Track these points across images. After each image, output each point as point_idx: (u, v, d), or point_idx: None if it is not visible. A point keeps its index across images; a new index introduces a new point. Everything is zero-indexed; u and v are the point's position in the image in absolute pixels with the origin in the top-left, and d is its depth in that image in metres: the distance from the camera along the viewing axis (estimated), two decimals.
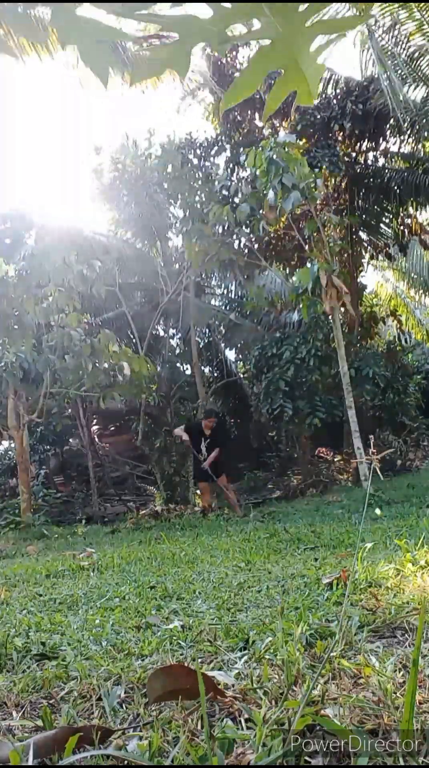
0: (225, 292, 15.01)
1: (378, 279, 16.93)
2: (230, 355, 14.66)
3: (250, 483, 12.68)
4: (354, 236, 11.52)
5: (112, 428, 14.59)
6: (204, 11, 0.81)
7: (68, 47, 7.22)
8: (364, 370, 9.76)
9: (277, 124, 11.02)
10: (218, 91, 10.67)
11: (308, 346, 9.83)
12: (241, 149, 9.37)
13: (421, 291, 15.56)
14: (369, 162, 11.41)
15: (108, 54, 0.88)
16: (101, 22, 0.83)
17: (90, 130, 32.66)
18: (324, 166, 9.53)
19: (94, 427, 14.18)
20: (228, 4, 0.80)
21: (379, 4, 8.98)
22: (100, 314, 12.36)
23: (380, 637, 1.52)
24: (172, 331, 13.53)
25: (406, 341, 14.89)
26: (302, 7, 0.79)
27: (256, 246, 9.86)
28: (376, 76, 8.81)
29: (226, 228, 9.42)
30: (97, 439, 14.07)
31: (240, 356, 14.35)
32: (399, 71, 9.42)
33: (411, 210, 11.24)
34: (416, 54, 9.39)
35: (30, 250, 8.88)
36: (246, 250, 10.27)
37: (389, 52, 9.07)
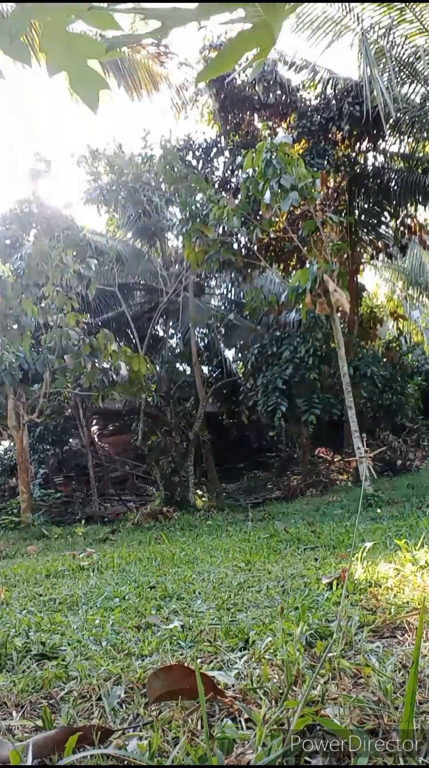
0: (224, 292, 15.00)
1: (377, 279, 16.96)
2: (229, 355, 14.67)
3: (250, 483, 12.69)
4: (353, 236, 11.51)
5: (112, 428, 14.59)
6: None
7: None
8: (363, 369, 9.75)
9: (276, 125, 11.01)
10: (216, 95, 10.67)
11: (307, 346, 9.82)
12: (242, 151, 9.37)
13: (420, 291, 15.57)
14: (368, 162, 11.40)
15: (98, 78, 0.89)
16: (92, 38, 0.84)
17: (89, 131, 32.72)
18: (323, 167, 9.51)
19: (94, 427, 14.18)
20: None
21: (380, 6, 8.98)
22: (99, 314, 12.37)
23: (380, 637, 1.52)
24: (171, 331, 13.52)
25: (406, 341, 14.89)
26: None
27: (255, 247, 9.86)
28: (368, 75, 8.79)
29: (225, 229, 9.42)
30: (96, 439, 14.06)
31: (239, 356, 14.35)
32: (400, 72, 9.40)
33: (410, 210, 11.23)
34: (417, 54, 9.36)
35: (29, 250, 8.88)
36: (245, 251, 10.26)
37: (386, 54, 9.04)
